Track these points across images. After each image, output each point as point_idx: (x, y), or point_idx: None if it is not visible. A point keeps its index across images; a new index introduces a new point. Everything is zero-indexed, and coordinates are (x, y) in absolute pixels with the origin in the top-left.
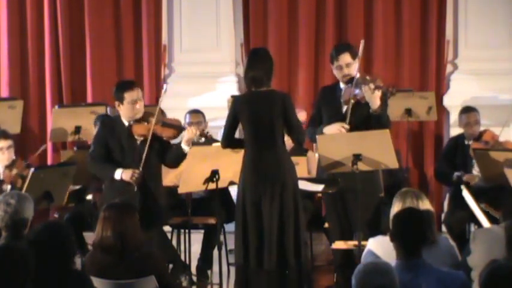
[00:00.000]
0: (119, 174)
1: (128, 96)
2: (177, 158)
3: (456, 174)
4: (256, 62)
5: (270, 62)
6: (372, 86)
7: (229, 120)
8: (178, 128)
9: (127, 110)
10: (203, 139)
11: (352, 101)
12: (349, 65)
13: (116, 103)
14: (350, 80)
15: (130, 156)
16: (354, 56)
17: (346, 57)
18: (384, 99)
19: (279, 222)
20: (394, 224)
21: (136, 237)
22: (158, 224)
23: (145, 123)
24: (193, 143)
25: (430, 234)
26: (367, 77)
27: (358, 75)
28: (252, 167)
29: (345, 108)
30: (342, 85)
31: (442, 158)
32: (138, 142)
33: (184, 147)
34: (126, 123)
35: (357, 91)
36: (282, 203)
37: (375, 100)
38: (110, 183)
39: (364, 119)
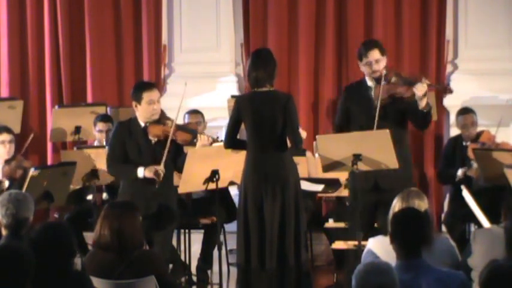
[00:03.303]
0: (141, 172)
1: (146, 96)
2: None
3: (461, 171)
4: (259, 62)
5: (273, 62)
6: (425, 84)
7: (232, 120)
8: (193, 134)
9: (144, 111)
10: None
11: (387, 100)
12: (379, 61)
13: (134, 104)
14: (380, 77)
15: (146, 157)
16: (382, 52)
17: (375, 53)
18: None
19: (280, 222)
20: (393, 224)
21: (135, 237)
22: (170, 226)
23: (162, 125)
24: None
25: (429, 233)
26: (411, 76)
27: (396, 74)
28: (254, 167)
29: (378, 106)
30: (369, 82)
31: (442, 159)
32: (153, 142)
33: None
34: (142, 124)
35: (400, 89)
36: (284, 203)
37: (425, 98)
38: (127, 185)
39: (400, 115)
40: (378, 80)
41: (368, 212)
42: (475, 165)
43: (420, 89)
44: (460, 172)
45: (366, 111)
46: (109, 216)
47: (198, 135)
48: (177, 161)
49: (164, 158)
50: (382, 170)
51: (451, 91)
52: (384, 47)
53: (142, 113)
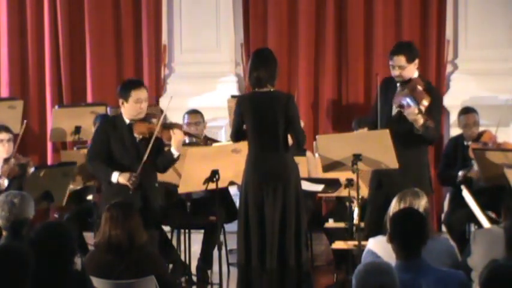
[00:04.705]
0: (115, 177)
1: (135, 94)
2: (167, 162)
3: (461, 172)
4: (260, 62)
5: (274, 62)
6: (416, 110)
7: (236, 119)
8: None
9: (131, 109)
10: (187, 139)
11: (400, 109)
12: (402, 68)
13: (120, 101)
14: (404, 82)
15: (130, 153)
16: (410, 59)
17: (399, 59)
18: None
19: (280, 222)
20: (392, 224)
21: (142, 236)
22: (152, 225)
23: (147, 123)
24: (192, 143)
25: (428, 232)
26: (418, 94)
27: (413, 85)
28: (255, 167)
29: (395, 110)
30: (398, 83)
31: (443, 159)
32: (137, 140)
33: (174, 151)
34: (127, 121)
35: (404, 103)
36: (284, 203)
37: (417, 122)
38: (108, 188)
39: (410, 130)
40: (402, 84)
41: (377, 211)
42: (475, 166)
43: (409, 112)
44: (460, 174)
45: (386, 111)
46: (118, 217)
47: (171, 130)
48: (157, 160)
49: (146, 156)
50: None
51: (428, 127)
52: (417, 51)
53: (128, 111)
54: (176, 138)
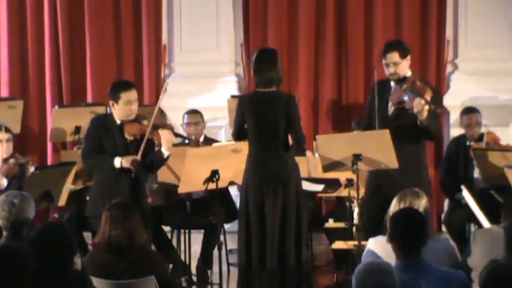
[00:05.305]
0: (118, 161)
1: (125, 96)
2: (157, 162)
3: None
4: (266, 62)
5: (278, 62)
6: (422, 101)
7: (238, 119)
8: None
9: (121, 111)
10: (178, 139)
11: (399, 106)
12: (397, 64)
13: (111, 102)
14: (399, 80)
15: (121, 153)
16: (403, 54)
17: (393, 56)
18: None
19: (281, 222)
20: (392, 224)
21: (142, 236)
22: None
23: (138, 124)
24: (182, 144)
25: (428, 232)
26: (419, 88)
27: (411, 81)
28: (255, 167)
29: (391, 109)
30: (392, 82)
31: (444, 164)
32: (128, 141)
33: (164, 151)
34: (118, 122)
35: (406, 98)
36: (285, 203)
37: (423, 113)
38: (98, 185)
39: (411, 126)
40: (397, 82)
41: (373, 212)
42: (475, 174)
43: (416, 103)
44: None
45: (382, 111)
46: (118, 217)
47: (159, 130)
48: (146, 160)
49: (140, 154)
50: (395, 176)
51: (438, 114)
52: (408, 48)
53: (118, 112)
54: (165, 138)
